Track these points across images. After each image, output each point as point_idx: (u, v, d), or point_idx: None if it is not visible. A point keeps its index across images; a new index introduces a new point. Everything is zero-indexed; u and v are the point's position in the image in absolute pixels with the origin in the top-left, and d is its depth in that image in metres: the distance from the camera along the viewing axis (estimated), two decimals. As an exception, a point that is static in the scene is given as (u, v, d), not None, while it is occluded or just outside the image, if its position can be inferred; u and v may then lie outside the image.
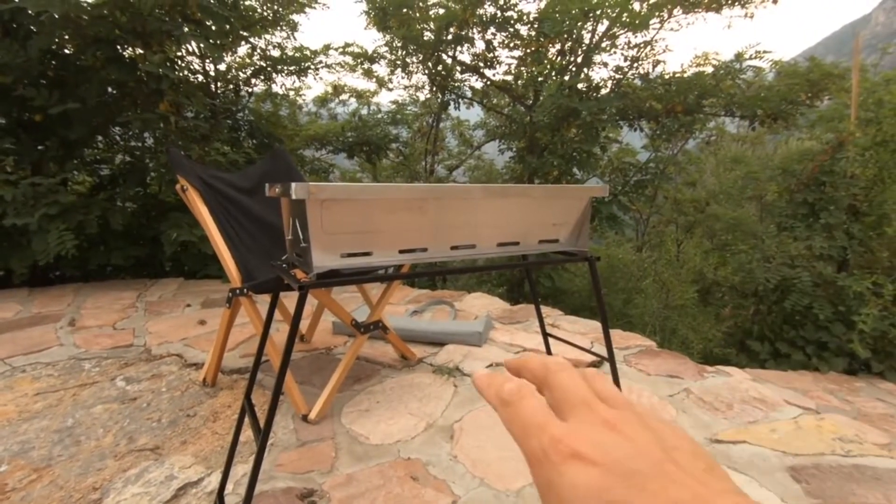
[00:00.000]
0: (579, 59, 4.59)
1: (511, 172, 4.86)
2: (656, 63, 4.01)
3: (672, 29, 3.87)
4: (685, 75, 4.30)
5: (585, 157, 4.01)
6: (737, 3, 4.55)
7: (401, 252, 1.07)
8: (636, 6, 3.64)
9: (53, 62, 3.05)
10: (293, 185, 0.88)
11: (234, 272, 1.79)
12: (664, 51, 3.86)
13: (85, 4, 2.69)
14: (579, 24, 3.83)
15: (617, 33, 4.26)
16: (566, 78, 4.22)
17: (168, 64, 3.14)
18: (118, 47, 2.92)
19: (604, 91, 4.09)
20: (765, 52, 3.93)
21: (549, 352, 1.80)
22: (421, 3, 4.28)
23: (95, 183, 4.13)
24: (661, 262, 4.10)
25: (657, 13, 3.88)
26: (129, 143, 4.18)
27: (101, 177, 4.14)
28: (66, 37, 2.85)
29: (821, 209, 3.26)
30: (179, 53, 3.23)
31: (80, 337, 2.55)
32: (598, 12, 3.64)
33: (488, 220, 1.16)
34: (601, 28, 4.18)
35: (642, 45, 3.94)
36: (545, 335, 1.78)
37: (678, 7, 4.09)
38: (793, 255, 3.18)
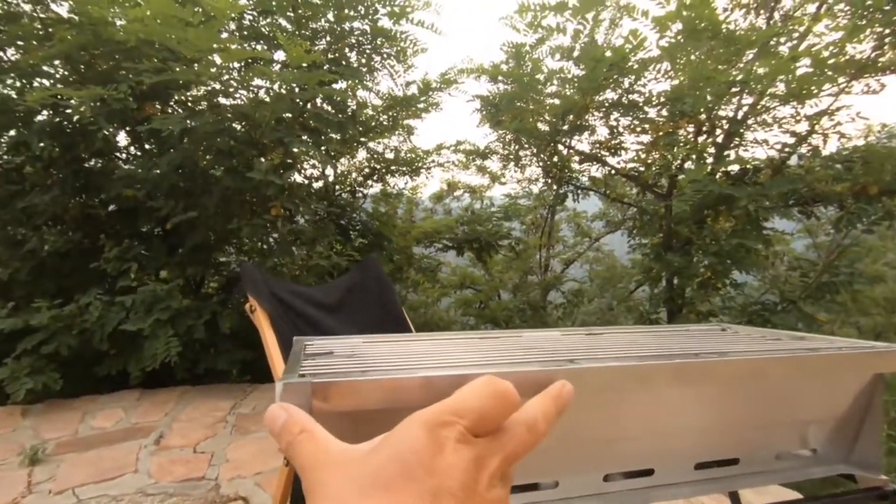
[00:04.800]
0: (720, 139, 3.94)
1: (643, 271, 4.15)
2: (841, 135, 3.20)
3: (863, 92, 3.06)
4: (873, 148, 3.38)
5: (744, 254, 3.20)
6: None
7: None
8: (801, 71, 2.98)
9: (182, 172, 3.26)
10: (278, 388, 0.43)
11: (295, 420, 1.40)
12: (851, 120, 3.06)
13: (208, 120, 2.87)
14: (725, 97, 3.26)
15: (769, 106, 3.57)
16: (710, 160, 3.57)
17: (282, 171, 3.18)
18: (234, 158, 3.04)
19: (762, 172, 3.35)
20: None
21: None
22: (535, 95, 4.06)
23: (223, 284, 4.28)
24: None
25: (826, 77, 3.15)
26: (257, 244, 4.35)
27: (228, 279, 4.30)
28: (192, 148, 3.05)
29: None
30: (290, 161, 3.29)
31: (158, 462, 2.33)
32: (752, 84, 3.04)
33: (676, 420, 0.60)
34: (750, 100, 3.54)
35: (814, 117, 3.19)
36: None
37: (851, 70, 3.31)
38: None
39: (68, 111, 3.19)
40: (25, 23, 3.21)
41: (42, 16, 3.27)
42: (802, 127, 3.34)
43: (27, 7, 3.32)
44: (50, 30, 3.19)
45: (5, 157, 3.58)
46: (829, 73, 2.88)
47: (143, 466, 2.29)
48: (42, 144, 3.24)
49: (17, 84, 3.41)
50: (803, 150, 3.37)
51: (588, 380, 0.52)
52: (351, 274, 2.06)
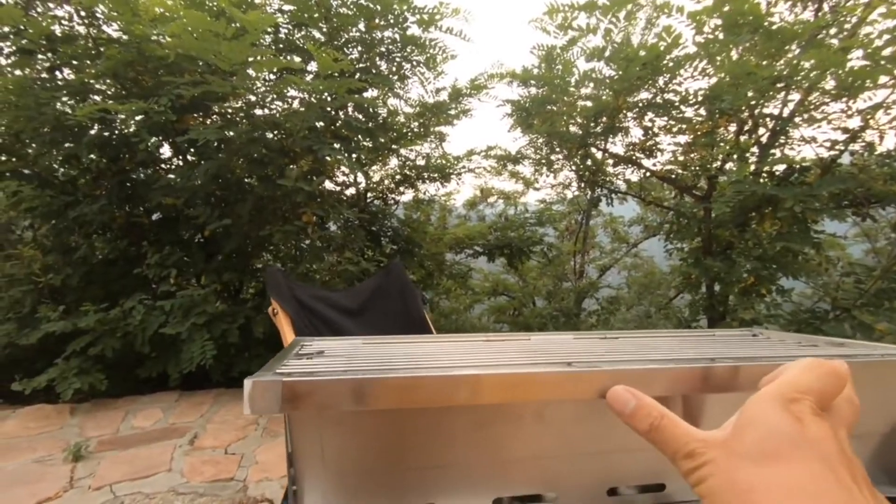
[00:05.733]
0: (763, 139, 3.74)
1: (681, 276, 3.97)
2: (898, 130, 2.97)
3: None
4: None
5: (791, 258, 3.01)
6: None
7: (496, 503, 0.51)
8: (852, 63, 2.79)
9: (220, 181, 3.37)
10: (247, 385, 0.42)
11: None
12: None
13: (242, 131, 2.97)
14: (768, 94, 3.09)
15: (817, 102, 3.36)
16: (751, 160, 3.39)
17: (314, 178, 3.24)
18: (267, 166, 3.12)
19: (811, 172, 3.15)
20: None
21: None
22: (566, 98, 3.98)
23: (260, 289, 4.39)
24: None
25: (881, 69, 2.92)
26: (290, 251, 4.45)
27: (265, 284, 4.41)
28: (228, 157, 3.16)
29: None
30: (320, 168, 3.35)
31: (190, 462, 2.39)
32: (799, 77, 2.86)
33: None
34: (797, 96, 3.35)
35: (868, 111, 2.98)
36: None
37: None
38: None
39: (115, 125, 3.36)
40: (81, 43, 3.43)
41: (94, 35, 3.47)
42: (854, 123, 3.12)
43: (82, 29, 3.54)
44: (101, 49, 3.39)
45: (62, 169, 3.82)
46: (885, 64, 2.67)
47: (177, 466, 2.35)
48: (92, 157, 3.43)
49: (71, 102, 3.63)
50: (856, 147, 3.14)
51: (585, 385, 0.48)
52: (375, 278, 2.06)
